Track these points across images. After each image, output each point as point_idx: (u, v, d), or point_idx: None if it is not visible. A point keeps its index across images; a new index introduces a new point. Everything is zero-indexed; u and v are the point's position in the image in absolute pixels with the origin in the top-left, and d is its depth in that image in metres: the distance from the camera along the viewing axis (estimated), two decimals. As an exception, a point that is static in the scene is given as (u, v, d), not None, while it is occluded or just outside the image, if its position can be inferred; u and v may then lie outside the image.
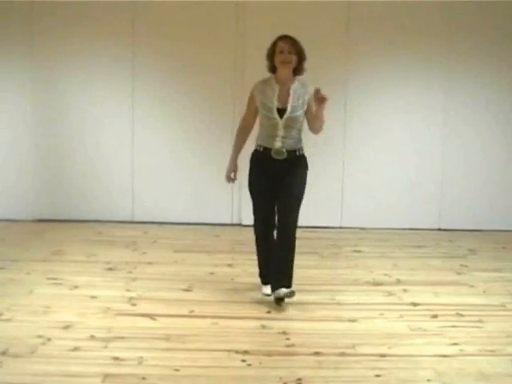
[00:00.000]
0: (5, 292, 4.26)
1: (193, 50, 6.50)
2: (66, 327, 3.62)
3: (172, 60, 6.54)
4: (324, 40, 6.40)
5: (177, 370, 3.09)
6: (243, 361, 3.23)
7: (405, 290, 4.52)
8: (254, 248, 4.38)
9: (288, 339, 3.55)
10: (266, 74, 4.20)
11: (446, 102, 6.63)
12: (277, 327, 3.72)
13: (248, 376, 3.08)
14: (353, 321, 3.87)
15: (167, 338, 3.51)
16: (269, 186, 4.14)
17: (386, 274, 4.95)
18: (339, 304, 4.20)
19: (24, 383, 2.94)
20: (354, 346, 3.45)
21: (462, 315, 4.00)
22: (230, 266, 5.12)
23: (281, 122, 4.07)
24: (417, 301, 4.27)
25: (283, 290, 4.02)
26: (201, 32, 6.48)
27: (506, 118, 6.68)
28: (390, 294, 4.45)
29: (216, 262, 5.23)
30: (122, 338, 3.50)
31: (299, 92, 4.10)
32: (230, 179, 4.34)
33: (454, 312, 4.06)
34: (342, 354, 3.34)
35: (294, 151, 4.14)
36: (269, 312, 4.00)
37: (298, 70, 4.13)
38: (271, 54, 4.12)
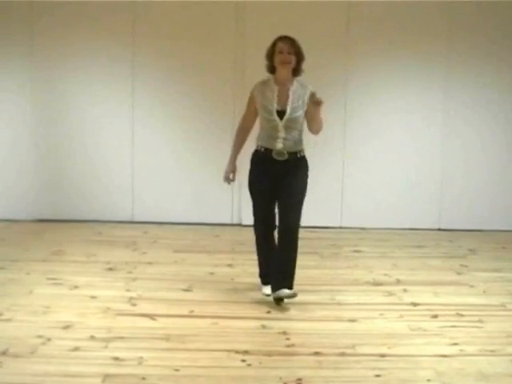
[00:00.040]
0: (5, 292, 4.26)
1: (193, 50, 6.50)
2: (66, 327, 3.62)
3: (172, 60, 6.54)
4: (324, 40, 6.40)
5: (177, 370, 3.09)
6: (243, 361, 3.23)
7: (405, 290, 4.52)
8: (254, 248, 4.38)
9: (288, 339, 3.55)
10: (266, 74, 4.20)
11: (445, 101, 6.63)
12: (277, 327, 3.72)
13: (248, 376, 3.08)
14: (353, 321, 3.87)
15: (167, 338, 3.51)
16: (269, 186, 4.14)
17: (385, 274, 4.94)
18: (339, 304, 4.20)
19: (24, 383, 2.93)
20: (353, 346, 3.45)
21: (461, 315, 4.00)
22: (229, 266, 5.12)
23: (281, 124, 4.08)
24: (417, 301, 4.27)
25: (285, 292, 4.02)
26: (201, 32, 6.48)
27: (506, 118, 6.68)
28: (390, 294, 4.45)
29: (216, 262, 5.23)
30: (122, 338, 3.50)
31: (299, 93, 4.11)
32: (229, 180, 4.34)
33: (453, 312, 4.06)
34: (342, 354, 3.34)
35: (295, 153, 4.14)
36: (269, 312, 4.00)
37: (296, 71, 4.14)
38: (270, 55, 4.12)
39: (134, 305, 4.07)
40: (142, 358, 3.22)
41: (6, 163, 6.64)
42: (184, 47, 6.50)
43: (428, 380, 3.05)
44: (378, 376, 3.09)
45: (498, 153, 6.72)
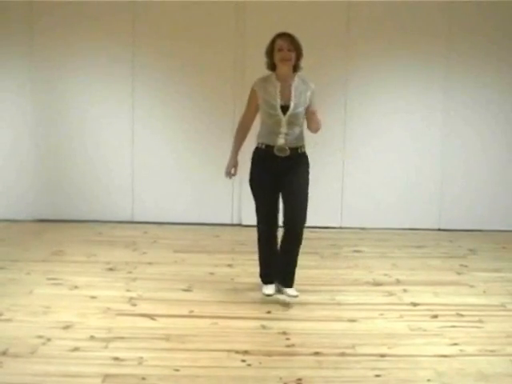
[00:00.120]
0: (5, 292, 4.26)
1: (193, 50, 6.50)
2: (66, 327, 3.62)
3: (172, 60, 6.54)
4: (324, 40, 6.40)
5: (177, 370, 3.10)
6: (243, 361, 3.23)
7: (405, 290, 4.52)
8: (254, 248, 4.39)
9: (288, 339, 3.55)
10: (266, 74, 4.20)
11: (445, 101, 6.63)
12: (277, 327, 3.72)
13: (248, 376, 3.08)
14: (353, 321, 3.87)
15: (167, 338, 3.51)
16: (271, 183, 4.14)
17: (385, 274, 4.95)
18: (339, 304, 4.20)
19: (24, 383, 2.94)
20: (353, 346, 3.45)
21: (462, 315, 4.00)
22: (229, 266, 5.12)
23: (284, 119, 4.08)
24: (417, 301, 4.27)
25: (290, 293, 4.09)
26: (201, 32, 6.48)
27: (506, 118, 6.68)
28: (390, 294, 4.45)
29: (216, 262, 5.23)
30: (122, 338, 3.50)
31: (301, 89, 4.12)
32: (230, 174, 4.33)
33: (454, 312, 4.06)
34: (342, 354, 3.34)
35: (297, 149, 4.15)
36: (269, 312, 4.00)
37: (295, 67, 4.15)
38: (270, 52, 4.13)
39: (134, 305, 4.07)
40: (141, 358, 3.22)
41: (6, 163, 6.64)
42: (184, 47, 6.50)
43: (428, 380, 3.06)
44: (377, 376, 3.09)
45: (497, 153, 6.72)
